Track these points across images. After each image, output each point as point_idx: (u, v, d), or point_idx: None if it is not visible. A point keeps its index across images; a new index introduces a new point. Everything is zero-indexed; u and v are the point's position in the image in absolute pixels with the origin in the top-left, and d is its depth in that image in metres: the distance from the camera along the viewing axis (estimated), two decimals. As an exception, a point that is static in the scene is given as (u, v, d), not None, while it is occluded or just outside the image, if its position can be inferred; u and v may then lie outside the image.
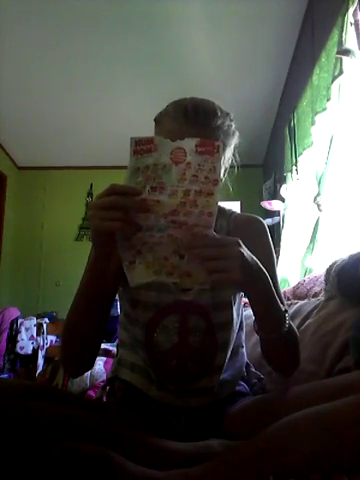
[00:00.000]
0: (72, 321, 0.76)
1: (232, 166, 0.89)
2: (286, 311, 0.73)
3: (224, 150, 0.80)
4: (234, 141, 0.84)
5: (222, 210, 0.91)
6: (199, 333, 0.82)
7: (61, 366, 2.02)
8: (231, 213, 0.91)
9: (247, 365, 0.96)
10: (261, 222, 0.90)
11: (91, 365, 0.81)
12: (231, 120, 0.82)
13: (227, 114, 0.82)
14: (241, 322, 0.93)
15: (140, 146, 0.56)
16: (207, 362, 0.83)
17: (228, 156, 0.85)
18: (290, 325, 0.74)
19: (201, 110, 0.77)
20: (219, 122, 0.78)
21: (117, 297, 0.84)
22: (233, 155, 0.87)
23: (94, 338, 0.78)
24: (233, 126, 0.83)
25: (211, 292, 0.82)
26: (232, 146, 0.85)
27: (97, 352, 0.80)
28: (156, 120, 0.84)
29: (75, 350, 0.78)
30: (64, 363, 0.82)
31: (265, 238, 0.88)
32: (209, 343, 0.82)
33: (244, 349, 0.95)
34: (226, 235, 0.87)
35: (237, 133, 0.85)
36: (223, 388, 0.85)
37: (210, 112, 0.78)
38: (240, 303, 0.90)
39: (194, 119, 0.76)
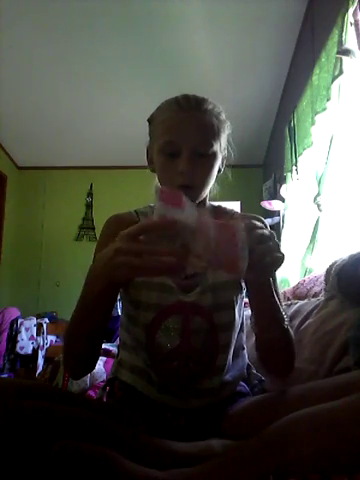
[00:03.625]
0: (75, 323, 0.75)
1: (230, 165, 0.90)
2: (284, 311, 0.74)
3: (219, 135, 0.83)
4: (227, 128, 0.86)
5: (224, 211, 0.91)
6: (201, 334, 0.81)
7: (61, 366, 2.02)
8: (233, 213, 0.91)
9: (248, 366, 0.96)
10: (263, 222, 0.90)
11: (93, 366, 0.80)
12: (221, 109, 0.86)
13: (216, 104, 0.85)
14: (242, 323, 0.93)
15: (166, 194, 0.56)
16: (208, 363, 0.83)
17: (224, 145, 0.87)
18: (288, 327, 0.74)
19: (192, 97, 0.82)
20: (210, 107, 0.82)
21: (118, 298, 0.84)
22: (228, 143, 0.88)
23: (96, 339, 0.78)
24: (223, 115, 0.86)
25: (213, 293, 0.82)
26: (226, 133, 0.87)
27: (99, 352, 0.80)
28: (149, 120, 0.87)
29: (77, 351, 0.77)
30: (66, 364, 0.82)
31: None
32: (211, 344, 0.82)
33: (245, 351, 0.95)
34: None
35: (228, 122, 0.87)
36: (224, 389, 0.85)
37: (200, 98, 0.82)
38: (241, 304, 0.90)
39: (187, 105, 0.80)
